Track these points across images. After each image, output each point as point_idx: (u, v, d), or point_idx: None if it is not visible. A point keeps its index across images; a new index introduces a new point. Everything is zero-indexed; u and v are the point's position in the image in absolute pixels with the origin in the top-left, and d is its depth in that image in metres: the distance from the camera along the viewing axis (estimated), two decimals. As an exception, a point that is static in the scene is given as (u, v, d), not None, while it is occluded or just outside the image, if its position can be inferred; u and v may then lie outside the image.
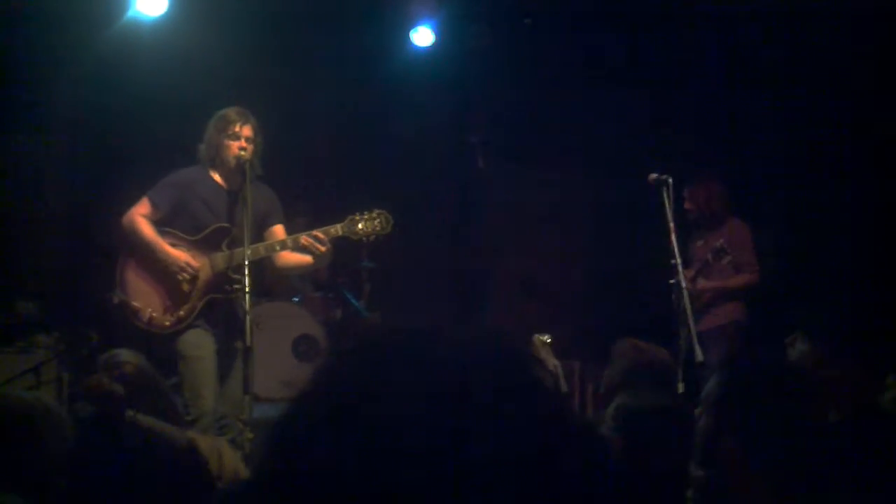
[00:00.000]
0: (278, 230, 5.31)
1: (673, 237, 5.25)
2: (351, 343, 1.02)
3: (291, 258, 5.25)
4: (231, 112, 5.20)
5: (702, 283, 6.18)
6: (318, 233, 5.06)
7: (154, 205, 5.21)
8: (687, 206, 6.37)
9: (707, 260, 6.10)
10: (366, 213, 5.12)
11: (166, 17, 6.63)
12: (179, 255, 5.14)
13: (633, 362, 3.67)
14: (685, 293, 5.10)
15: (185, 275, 5.12)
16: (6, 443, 2.39)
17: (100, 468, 2.63)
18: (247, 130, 5.16)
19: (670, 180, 5.37)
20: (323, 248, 5.06)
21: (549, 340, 4.63)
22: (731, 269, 6.21)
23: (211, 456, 3.23)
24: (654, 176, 5.47)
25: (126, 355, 4.14)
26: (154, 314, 5.13)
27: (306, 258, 5.20)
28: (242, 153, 5.10)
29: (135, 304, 5.14)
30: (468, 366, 0.96)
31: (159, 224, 5.21)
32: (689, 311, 5.03)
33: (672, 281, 5.29)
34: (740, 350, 5.68)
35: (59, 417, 2.50)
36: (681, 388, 4.64)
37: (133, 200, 5.24)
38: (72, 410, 3.42)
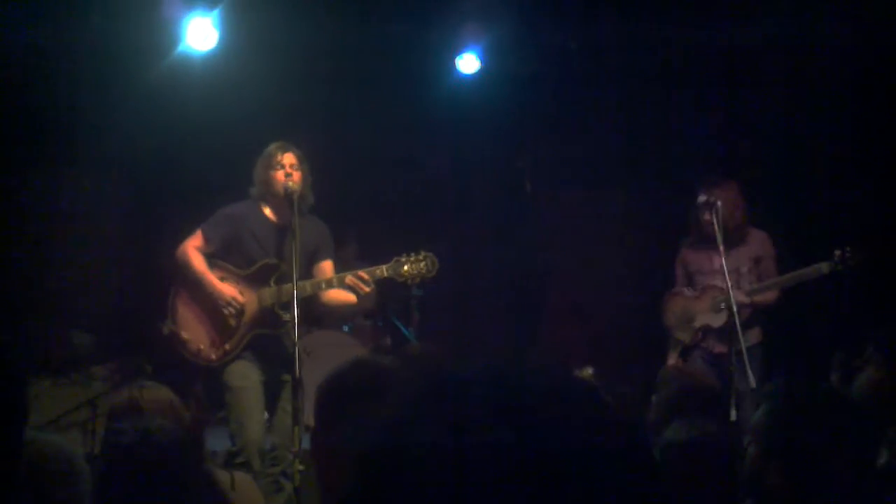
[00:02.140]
0: (326, 266, 5.34)
1: (723, 260, 5.16)
2: (425, 383, 0.99)
3: (336, 296, 5.30)
4: (272, 146, 5.27)
5: (759, 297, 5.63)
6: (364, 273, 5.10)
7: (206, 238, 5.27)
8: (706, 217, 5.43)
9: (744, 273, 5.71)
10: (412, 254, 5.14)
11: (216, 51, 6.69)
12: (226, 289, 5.19)
13: (679, 389, 3.60)
14: (736, 317, 4.99)
15: (231, 309, 5.17)
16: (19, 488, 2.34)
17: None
18: (288, 158, 5.20)
19: (719, 203, 5.30)
20: (367, 289, 5.12)
21: (591, 373, 4.57)
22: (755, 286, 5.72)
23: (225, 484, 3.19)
24: (703, 199, 5.41)
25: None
26: (202, 346, 5.19)
27: (350, 297, 5.25)
28: (290, 182, 5.13)
29: (184, 335, 5.20)
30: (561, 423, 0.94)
31: (212, 257, 5.26)
32: (740, 335, 4.93)
33: (723, 307, 5.20)
34: (785, 375, 5.48)
35: (78, 466, 2.43)
36: (733, 415, 4.54)
37: (187, 233, 5.31)
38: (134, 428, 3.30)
